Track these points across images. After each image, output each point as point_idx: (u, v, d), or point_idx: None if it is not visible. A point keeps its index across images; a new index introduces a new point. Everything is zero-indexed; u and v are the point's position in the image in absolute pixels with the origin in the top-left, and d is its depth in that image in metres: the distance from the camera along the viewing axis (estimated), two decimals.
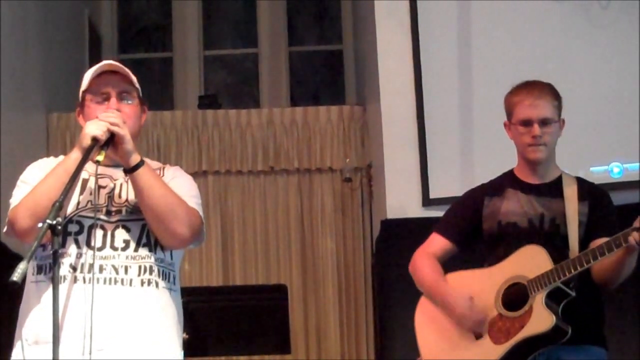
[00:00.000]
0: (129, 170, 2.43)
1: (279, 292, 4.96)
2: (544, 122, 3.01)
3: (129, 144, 2.40)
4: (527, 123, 3.02)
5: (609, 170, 5.10)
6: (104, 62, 2.56)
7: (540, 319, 2.88)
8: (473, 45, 5.45)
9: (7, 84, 5.71)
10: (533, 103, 3.02)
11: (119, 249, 2.43)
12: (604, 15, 5.24)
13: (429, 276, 3.15)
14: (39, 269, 2.43)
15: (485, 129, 5.20)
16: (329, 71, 8.46)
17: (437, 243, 3.20)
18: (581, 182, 3.10)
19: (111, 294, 2.38)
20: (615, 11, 5.22)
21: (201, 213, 2.55)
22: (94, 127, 2.37)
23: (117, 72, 2.54)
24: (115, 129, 2.38)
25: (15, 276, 1.99)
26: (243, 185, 6.81)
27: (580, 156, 4.89)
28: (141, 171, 2.42)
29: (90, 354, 2.30)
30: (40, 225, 2.12)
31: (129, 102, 2.53)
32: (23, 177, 2.51)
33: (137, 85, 2.58)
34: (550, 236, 3.00)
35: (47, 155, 2.63)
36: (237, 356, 5.84)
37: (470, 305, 3.01)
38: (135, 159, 2.42)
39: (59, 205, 2.15)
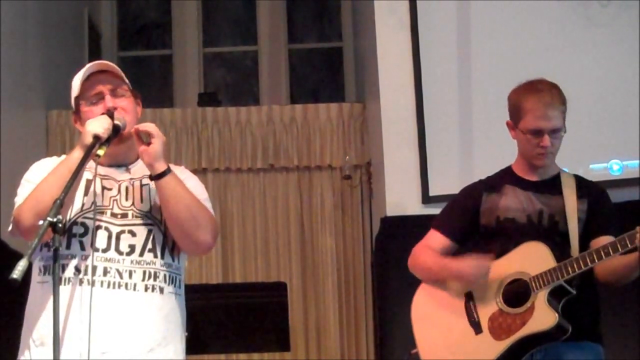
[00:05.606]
0: (155, 177, 2.40)
1: (278, 290, 4.97)
2: (553, 132, 2.97)
3: (159, 149, 2.37)
4: (537, 133, 2.97)
5: (609, 167, 5.10)
6: (90, 64, 2.52)
7: (542, 316, 2.88)
8: (472, 42, 5.45)
9: (7, 81, 5.70)
10: (545, 114, 2.94)
11: (124, 253, 2.41)
12: (603, 13, 5.23)
13: (431, 260, 3.13)
14: (45, 270, 2.41)
15: (484, 126, 5.20)
16: (329, 69, 8.44)
17: (436, 241, 3.18)
18: (579, 180, 3.09)
19: (114, 298, 2.37)
20: (615, 10, 5.21)
21: (214, 216, 2.54)
22: (96, 125, 2.34)
23: (105, 70, 2.51)
24: (151, 130, 2.38)
25: (16, 274, 1.98)
26: (243, 182, 6.81)
27: (579, 153, 4.88)
28: (168, 179, 2.39)
29: (88, 354, 2.29)
30: (41, 222, 2.11)
31: (123, 96, 2.50)
32: (27, 176, 2.49)
33: (126, 79, 2.55)
34: (549, 232, 2.99)
35: (47, 153, 2.62)
36: (236, 354, 5.85)
37: (475, 264, 2.99)
38: (161, 165, 2.39)
39: (60, 202, 2.14)
